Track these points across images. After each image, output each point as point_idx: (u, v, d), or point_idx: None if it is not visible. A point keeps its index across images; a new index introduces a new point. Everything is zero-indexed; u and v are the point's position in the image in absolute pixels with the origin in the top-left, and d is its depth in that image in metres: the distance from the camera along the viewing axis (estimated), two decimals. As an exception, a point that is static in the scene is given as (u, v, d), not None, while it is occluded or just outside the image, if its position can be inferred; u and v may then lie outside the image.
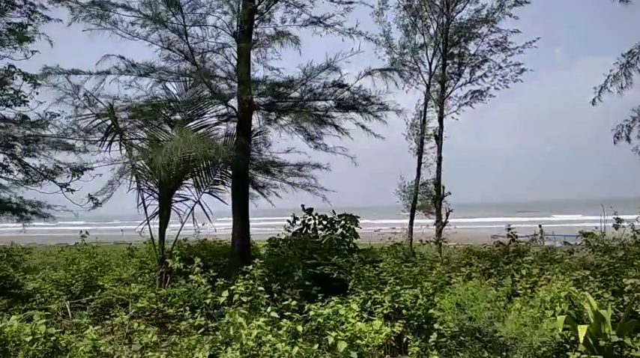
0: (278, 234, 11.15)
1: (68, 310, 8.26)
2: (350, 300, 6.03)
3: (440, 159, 19.51)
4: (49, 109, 10.43)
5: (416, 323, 5.77)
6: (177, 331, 6.29)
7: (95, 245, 10.84)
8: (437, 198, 19.74)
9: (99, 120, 9.92)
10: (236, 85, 9.71)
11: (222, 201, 10.83)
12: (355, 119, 9.88)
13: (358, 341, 4.63)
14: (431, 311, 5.63)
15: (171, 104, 9.85)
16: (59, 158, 12.71)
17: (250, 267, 6.86)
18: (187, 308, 6.73)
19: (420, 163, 19.55)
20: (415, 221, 18.71)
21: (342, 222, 8.68)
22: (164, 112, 9.92)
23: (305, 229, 8.98)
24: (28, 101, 13.60)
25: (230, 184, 10.81)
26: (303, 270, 7.83)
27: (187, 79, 9.57)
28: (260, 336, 4.71)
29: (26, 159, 13.57)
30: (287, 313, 5.79)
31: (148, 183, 10.13)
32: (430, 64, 18.90)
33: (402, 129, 18.30)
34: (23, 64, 11.77)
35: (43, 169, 13.70)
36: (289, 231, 11.43)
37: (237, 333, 5.27)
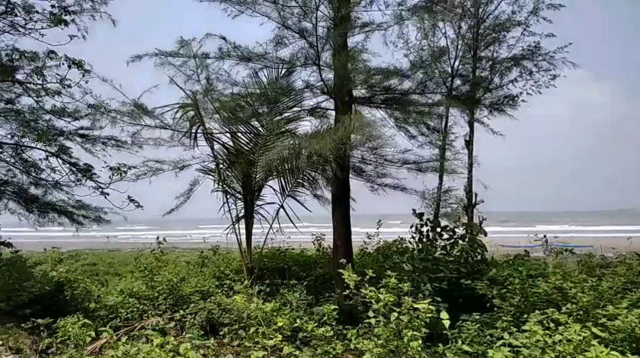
0: (365, 241, 10.24)
1: (162, 328, 7.26)
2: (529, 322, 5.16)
3: (471, 165, 18.77)
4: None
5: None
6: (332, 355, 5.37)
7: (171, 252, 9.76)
8: (469, 206, 19.03)
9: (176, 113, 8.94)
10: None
11: (302, 204, 9.91)
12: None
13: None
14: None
15: (261, 95, 8.90)
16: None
17: (392, 279, 5.96)
18: (329, 327, 5.82)
19: (442, 169, 18.83)
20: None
21: (465, 231, 7.79)
22: (252, 104, 8.97)
23: (419, 238, 8.09)
24: (60, 92, 12.50)
25: (310, 187, 10.00)
26: (431, 284, 6.94)
27: (280, 67, 8.63)
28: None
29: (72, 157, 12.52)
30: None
31: (232, 184, 9.22)
32: (452, 66, 18.14)
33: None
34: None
35: (78, 168, 12.63)
36: (370, 238, 10.55)
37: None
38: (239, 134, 9.02)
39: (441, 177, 19.61)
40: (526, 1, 14.29)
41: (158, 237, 9.57)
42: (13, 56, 11.94)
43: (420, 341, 4.92)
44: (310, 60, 8.07)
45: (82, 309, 9.47)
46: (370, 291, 5.18)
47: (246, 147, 9.02)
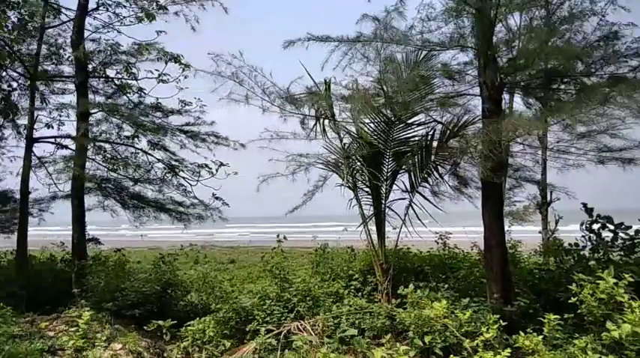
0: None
1: (313, 336, 6.57)
2: None
3: (545, 161, 17.52)
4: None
5: None
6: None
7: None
8: (542, 204, 17.73)
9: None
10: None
11: (428, 199, 9.16)
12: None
13: None
14: None
15: (398, 81, 8.13)
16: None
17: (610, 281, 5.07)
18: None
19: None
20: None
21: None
22: (386, 91, 8.23)
23: (589, 237, 7.16)
24: (144, 91, 12.06)
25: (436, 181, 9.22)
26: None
27: (420, 50, 7.86)
28: None
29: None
30: None
31: (362, 179, 8.53)
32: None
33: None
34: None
35: (165, 165, 12.19)
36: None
37: None
38: (371, 124, 8.31)
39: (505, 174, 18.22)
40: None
41: (278, 235, 8.92)
42: (110, 51, 11.64)
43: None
44: (464, 40, 7.28)
45: (195, 310, 8.99)
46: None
47: (378, 139, 8.29)
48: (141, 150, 11.95)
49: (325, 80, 7.94)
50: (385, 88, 8.06)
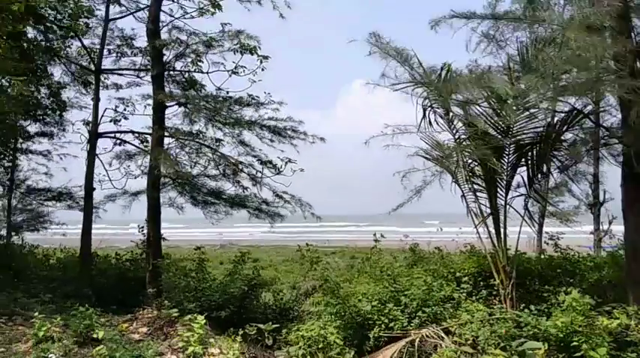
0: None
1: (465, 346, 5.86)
2: None
3: (597, 159, 16.38)
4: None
5: None
6: None
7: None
8: (595, 204, 16.66)
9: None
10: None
11: (542, 196, 8.60)
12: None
13: None
14: None
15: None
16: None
17: None
18: None
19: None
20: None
21: None
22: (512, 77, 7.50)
23: None
24: (206, 85, 11.42)
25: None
26: None
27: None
28: None
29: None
30: None
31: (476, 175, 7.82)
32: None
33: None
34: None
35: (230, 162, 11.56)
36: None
37: None
38: (488, 110, 7.60)
39: (547, 171, 17.15)
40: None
41: (375, 234, 8.26)
42: (185, 42, 11.07)
43: None
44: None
45: (272, 311, 8.44)
46: None
47: (499, 129, 7.58)
48: (211, 149, 11.31)
49: (443, 65, 7.24)
50: (512, 73, 7.35)
